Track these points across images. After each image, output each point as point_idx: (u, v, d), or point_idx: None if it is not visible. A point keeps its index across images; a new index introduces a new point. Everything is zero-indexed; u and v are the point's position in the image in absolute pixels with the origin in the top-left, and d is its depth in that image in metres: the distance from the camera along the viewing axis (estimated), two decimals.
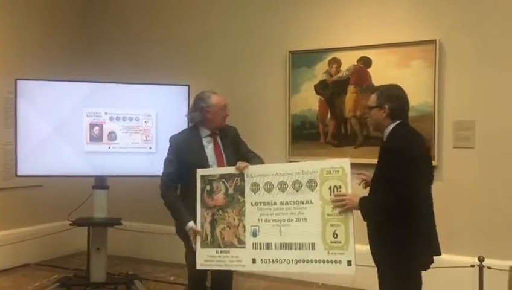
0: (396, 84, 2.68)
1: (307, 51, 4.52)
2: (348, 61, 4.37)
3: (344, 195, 2.50)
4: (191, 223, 2.85)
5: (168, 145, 3.15)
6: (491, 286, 3.27)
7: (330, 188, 2.54)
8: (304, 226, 2.58)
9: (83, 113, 4.06)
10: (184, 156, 2.99)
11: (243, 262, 2.72)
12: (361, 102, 4.34)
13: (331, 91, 4.46)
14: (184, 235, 2.95)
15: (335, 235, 2.50)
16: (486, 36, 3.87)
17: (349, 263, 2.47)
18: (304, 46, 4.53)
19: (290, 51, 4.57)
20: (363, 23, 4.32)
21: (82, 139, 4.05)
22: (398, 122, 2.51)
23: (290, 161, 4.37)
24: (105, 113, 4.09)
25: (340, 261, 2.48)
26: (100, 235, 4.02)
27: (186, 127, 4.24)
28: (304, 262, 2.58)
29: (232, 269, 2.83)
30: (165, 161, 3.06)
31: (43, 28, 5.22)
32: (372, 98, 2.58)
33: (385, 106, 2.50)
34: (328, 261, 2.52)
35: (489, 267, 3.25)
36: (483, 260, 3.29)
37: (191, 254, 2.96)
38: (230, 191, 2.80)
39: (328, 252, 2.51)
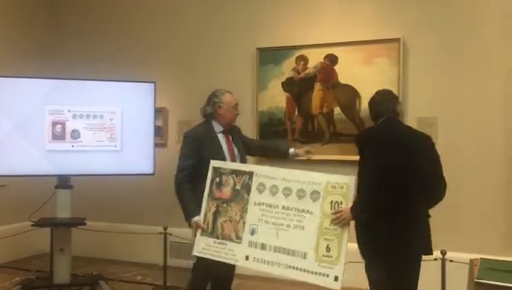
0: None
1: (275, 48, 4.53)
2: (315, 58, 4.41)
3: (341, 210, 2.56)
4: (197, 218, 2.93)
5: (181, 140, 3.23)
6: (453, 278, 3.36)
7: (332, 202, 2.60)
8: (300, 235, 2.64)
9: (45, 110, 3.94)
10: (203, 149, 3.06)
11: (237, 257, 2.79)
12: (328, 99, 4.39)
13: (298, 88, 4.48)
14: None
15: (328, 249, 2.56)
16: (448, 35, 3.98)
17: (336, 278, 2.52)
18: (272, 43, 4.54)
19: (257, 48, 4.57)
20: (329, 20, 4.37)
21: (44, 137, 3.93)
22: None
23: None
24: (68, 110, 3.98)
25: (327, 275, 2.54)
26: (64, 236, 3.92)
27: (152, 124, 4.24)
28: (293, 269, 2.63)
29: (225, 261, 2.86)
30: (181, 156, 3.11)
31: (3, 24, 5.05)
32: None
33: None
34: (316, 273, 2.57)
35: (451, 261, 3.33)
36: (445, 253, 3.38)
37: (201, 264, 3.02)
38: (238, 186, 2.87)
39: (318, 264, 2.57)
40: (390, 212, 2.35)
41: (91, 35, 5.30)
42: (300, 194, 2.69)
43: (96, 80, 4.18)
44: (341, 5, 4.33)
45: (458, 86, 3.97)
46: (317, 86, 4.42)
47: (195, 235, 2.93)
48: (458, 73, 3.96)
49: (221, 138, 3.16)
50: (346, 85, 4.30)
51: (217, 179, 2.93)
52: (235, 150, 3.20)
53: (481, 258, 2.33)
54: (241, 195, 2.85)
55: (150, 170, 4.19)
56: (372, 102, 2.69)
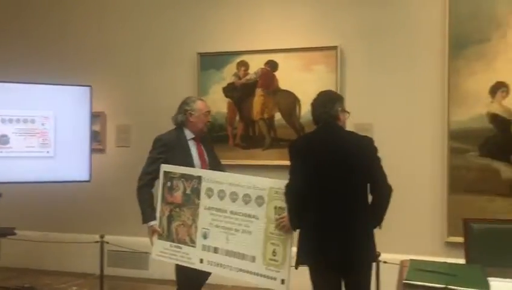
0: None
1: (216, 53, 4.52)
2: (256, 64, 4.44)
3: (284, 216, 2.58)
4: (153, 222, 2.97)
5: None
6: (387, 280, 3.47)
7: (275, 208, 2.65)
8: (248, 239, 2.71)
9: None
10: (172, 156, 3.04)
11: (192, 260, 2.86)
12: (268, 105, 4.43)
13: (240, 94, 4.49)
14: None
15: (274, 253, 2.64)
16: (383, 44, 4.13)
17: (282, 281, 2.61)
18: (213, 48, 4.52)
19: (198, 53, 4.54)
20: (270, 27, 4.42)
21: None
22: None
23: None
24: None
25: (275, 278, 2.63)
26: None
27: (88, 129, 4.10)
28: (244, 272, 2.72)
29: (182, 264, 2.92)
30: (148, 159, 3.11)
31: None
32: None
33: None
34: (264, 276, 2.67)
35: (385, 262, 3.44)
36: (379, 255, 3.47)
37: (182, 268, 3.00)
38: (188, 191, 2.91)
39: (266, 268, 2.65)
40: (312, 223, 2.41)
41: (23, 36, 5.03)
42: (246, 199, 2.75)
43: (27, 82, 4.00)
44: (282, 13, 4.39)
45: (392, 93, 4.12)
46: (258, 91, 4.45)
47: (151, 240, 2.98)
48: (392, 81, 4.11)
49: (191, 145, 3.14)
50: (286, 91, 4.36)
51: (168, 184, 2.96)
52: (206, 157, 3.17)
53: (411, 260, 2.41)
54: (191, 200, 2.90)
55: (85, 177, 4.06)
56: (313, 104, 2.64)
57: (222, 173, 2.99)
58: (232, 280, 4.20)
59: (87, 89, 4.07)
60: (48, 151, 3.91)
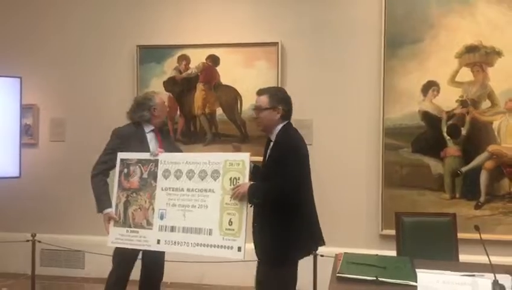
0: (280, 87, 2.95)
1: (156, 46, 4.43)
2: (197, 58, 4.39)
3: (239, 185, 2.65)
4: (109, 209, 3.00)
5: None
6: (324, 273, 3.55)
7: (231, 179, 2.73)
8: (205, 213, 2.77)
9: None
10: (127, 148, 3.06)
11: (149, 242, 2.89)
12: (210, 100, 4.40)
13: (180, 88, 4.43)
14: None
15: (230, 223, 2.69)
16: (322, 41, 4.21)
17: (239, 249, 2.65)
18: (153, 41, 4.43)
19: (138, 45, 4.43)
20: (211, 21, 4.38)
21: None
22: (286, 122, 2.71)
23: None
24: None
25: (231, 247, 2.67)
26: None
27: (18, 122, 3.89)
28: (201, 246, 2.76)
29: (138, 248, 2.97)
30: (104, 150, 3.14)
31: None
32: (263, 100, 2.69)
33: (279, 107, 2.67)
34: (221, 247, 2.71)
35: (321, 255, 3.51)
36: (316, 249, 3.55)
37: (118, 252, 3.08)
38: (145, 175, 2.96)
39: (223, 238, 2.70)
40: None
41: None
42: (202, 175, 2.81)
43: None
44: (223, 7, 4.36)
45: (331, 90, 4.20)
46: (200, 86, 4.41)
47: (107, 227, 3.00)
48: (331, 78, 4.20)
49: (151, 137, 3.16)
50: (227, 86, 4.35)
51: (125, 170, 3.01)
52: (164, 146, 3.16)
53: (345, 253, 2.49)
54: (148, 183, 2.95)
55: (15, 173, 3.85)
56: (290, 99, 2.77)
57: (179, 153, 3.09)
58: (225, 279, 4.24)
59: (16, 80, 3.85)
60: None
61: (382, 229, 4.07)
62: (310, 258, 3.51)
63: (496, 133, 3.92)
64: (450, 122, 3.98)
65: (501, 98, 3.91)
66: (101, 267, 4.40)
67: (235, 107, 4.34)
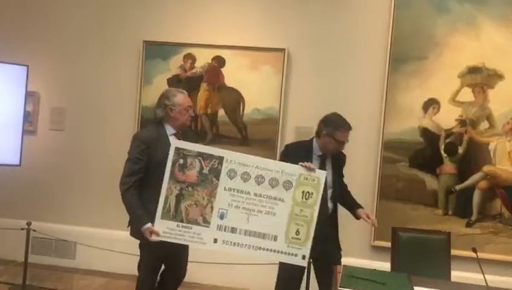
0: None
1: (162, 43, 4.43)
2: (203, 58, 4.40)
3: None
4: (148, 225, 2.79)
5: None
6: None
7: (303, 192, 2.83)
8: (271, 220, 2.82)
9: None
10: (153, 153, 2.88)
11: (204, 240, 2.82)
12: (213, 100, 4.42)
13: (184, 86, 4.36)
14: (144, 241, 2.86)
15: (297, 233, 2.81)
16: (326, 50, 4.25)
17: (303, 257, 2.81)
18: (160, 38, 4.43)
19: (144, 41, 4.42)
20: (220, 23, 4.39)
21: None
22: None
23: None
24: None
25: (296, 255, 2.81)
26: None
27: (22, 111, 3.87)
28: (264, 250, 2.82)
29: (190, 244, 2.89)
30: (129, 159, 2.90)
31: None
32: None
33: None
34: (285, 253, 2.82)
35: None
36: None
37: (145, 263, 2.98)
38: (205, 171, 2.83)
39: (288, 245, 2.81)
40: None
41: None
42: (273, 183, 2.84)
43: None
44: (233, 10, 4.37)
45: (334, 100, 4.21)
46: (203, 86, 4.42)
47: (151, 239, 2.81)
48: (334, 88, 4.24)
49: (172, 141, 2.93)
50: (231, 88, 4.37)
51: (181, 161, 2.82)
52: None
53: (344, 266, 2.54)
54: (209, 179, 2.83)
55: (15, 161, 3.83)
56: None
57: (249, 155, 2.96)
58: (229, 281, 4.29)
59: (24, 68, 3.83)
60: None
61: (374, 240, 4.14)
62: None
63: (491, 154, 4.01)
64: (448, 140, 4.06)
65: (499, 120, 4.00)
66: (92, 258, 4.46)
67: (237, 109, 4.37)
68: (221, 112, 4.40)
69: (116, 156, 4.45)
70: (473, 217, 4.03)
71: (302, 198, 2.82)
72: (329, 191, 3.07)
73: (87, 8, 4.58)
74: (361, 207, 3.23)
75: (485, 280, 2.16)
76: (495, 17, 3.98)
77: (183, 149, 2.82)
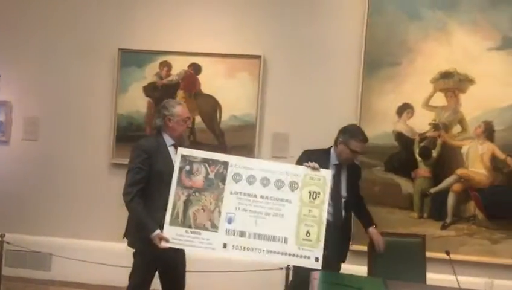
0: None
1: (138, 51, 4.40)
2: (179, 65, 4.39)
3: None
4: (157, 231, 2.81)
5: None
6: None
7: (310, 192, 2.83)
8: (280, 222, 2.80)
9: None
10: (153, 163, 2.92)
11: (213, 245, 2.81)
12: (189, 107, 4.34)
13: (160, 94, 4.40)
14: (140, 250, 2.93)
15: (307, 234, 2.78)
16: (303, 57, 4.28)
17: (316, 259, 2.75)
18: (135, 46, 4.40)
19: (119, 49, 4.39)
20: (195, 30, 4.39)
21: None
22: None
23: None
24: None
25: (308, 257, 2.76)
26: None
27: None
28: (275, 253, 2.79)
29: (200, 250, 2.84)
30: (131, 169, 2.93)
31: None
32: None
33: None
34: (297, 256, 2.77)
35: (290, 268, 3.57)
36: None
37: (138, 272, 2.97)
38: (211, 175, 2.88)
39: (299, 248, 2.77)
40: None
41: None
42: (279, 184, 2.85)
43: None
44: (208, 17, 4.37)
45: (309, 106, 4.28)
46: (180, 93, 4.40)
47: (161, 246, 2.82)
48: (310, 94, 4.27)
49: (172, 151, 3.00)
50: (208, 95, 4.37)
51: (187, 167, 2.88)
52: None
53: (320, 272, 2.56)
54: (215, 184, 2.87)
55: None
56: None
57: (253, 159, 3.05)
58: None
59: None
60: None
61: (351, 245, 4.16)
62: (282, 271, 3.58)
63: (464, 157, 4.09)
64: (422, 144, 4.13)
65: (471, 124, 4.09)
66: (68, 270, 4.38)
67: (214, 116, 4.36)
68: (198, 119, 4.39)
69: (92, 166, 4.46)
70: (448, 220, 4.10)
71: (310, 198, 2.83)
72: (343, 201, 3.15)
73: (61, 16, 4.52)
74: (375, 225, 3.35)
75: (458, 282, 2.20)
76: (465, 23, 4.07)
77: (189, 156, 2.90)
